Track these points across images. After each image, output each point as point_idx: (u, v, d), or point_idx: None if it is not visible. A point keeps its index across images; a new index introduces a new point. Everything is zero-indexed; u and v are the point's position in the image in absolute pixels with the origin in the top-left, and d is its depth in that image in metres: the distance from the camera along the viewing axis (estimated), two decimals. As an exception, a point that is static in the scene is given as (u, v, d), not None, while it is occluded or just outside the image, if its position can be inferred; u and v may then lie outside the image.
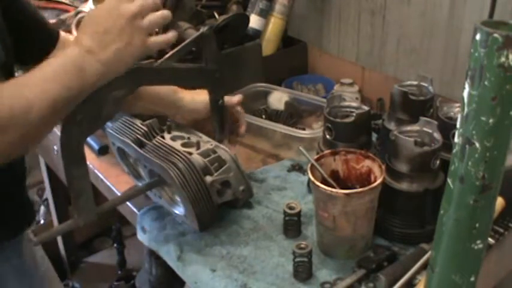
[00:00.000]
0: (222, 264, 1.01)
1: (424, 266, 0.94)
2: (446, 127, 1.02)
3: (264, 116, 1.45)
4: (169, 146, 1.04)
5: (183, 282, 1.06)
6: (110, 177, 1.33)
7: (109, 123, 1.12)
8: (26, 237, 1.14)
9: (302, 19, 1.83)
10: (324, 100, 1.27)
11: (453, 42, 1.42)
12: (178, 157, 1.00)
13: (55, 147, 1.41)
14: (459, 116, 0.54)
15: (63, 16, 1.69)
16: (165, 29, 1.42)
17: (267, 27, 1.69)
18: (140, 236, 1.15)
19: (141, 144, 1.06)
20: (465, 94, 0.52)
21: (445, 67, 1.46)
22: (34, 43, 1.08)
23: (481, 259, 0.60)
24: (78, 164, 0.93)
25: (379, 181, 0.96)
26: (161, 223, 1.13)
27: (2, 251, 1.06)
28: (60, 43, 1.14)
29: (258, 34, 1.67)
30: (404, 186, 1.00)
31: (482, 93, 0.50)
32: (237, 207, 1.15)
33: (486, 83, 0.49)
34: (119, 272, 2.17)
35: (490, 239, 1.02)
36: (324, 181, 0.99)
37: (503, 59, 0.48)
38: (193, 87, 1.16)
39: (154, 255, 1.55)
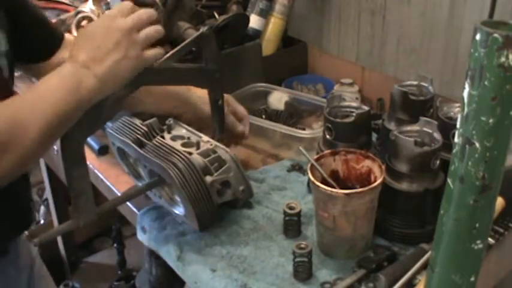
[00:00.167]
0: (222, 264, 1.01)
1: (424, 266, 0.94)
2: (446, 127, 1.02)
3: (264, 116, 1.45)
4: (169, 146, 1.04)
5: (183, 282, 1.06)
6: (110, 177, 1.33)
7: (109, 123, 1.12)
8: (22, 237, 1.15)
9: (302, 19, 1.83)
10: (324, 100, 1.27)
11: (453, 42, 1.42)
12: (178, 157, 1.00)
13: (55, 147, 1.40)
14: (459, 116, 0.54)
15: (63, 16, 1.69)
16: (165, 29, 1.43)
17: (267, 27, 1.69)
18: (140, 236, 1.15)
19: (141, 144, 1.06)
20: (465, 94, 0.52)
21: (445, 67, 1.46)
22: (36, 42, 1.08)
23: (481, 259, 0.60)
24: (78, 164, 0.93)
25: (379, 181, 0.96)
26: (161, 223, 1.13)
27: (4, 251, 1.06)
28: (66, 43, 1.14)
29: (258, 34, 1.67)
30: (404, 186, 1.00)
31: (482, 93, 0.50)
32: (237, 207, 1.15)
33: (486, 83, 0.49)
34: (119, 272, 2.17)
35: (490, 239, 1.02)
36: (324, 181, 0.99)
37: (503, 59, 0.48)
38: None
39: (154, 255, 1.55)
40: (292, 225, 1.07)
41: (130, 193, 1.09)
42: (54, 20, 1.65)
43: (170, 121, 1.14)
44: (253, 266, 1.00)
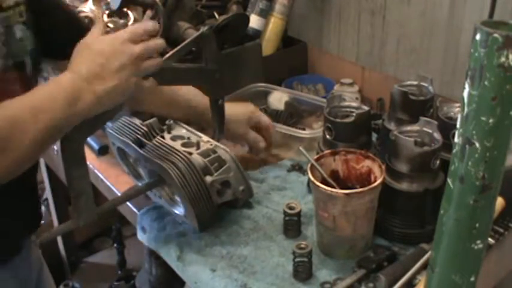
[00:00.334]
0: (222, 264, 1.01)
1: (424, 266, 0.94)
2: (446, 127, 1.02)
3: (264, 116, 1.45)
4: (169, 146, 1.04)
5: (183, 282, 1.06)
6: (110, 177, 1.33)
7: (109, 123, 1.12)
8: (33, 236, 1.15)
9: (302, 19, 1.83)
10: (324, 100, 1.27)
11: (453, 42, 1.42)
12: (178, 157, 1.00)
13: (55, 147, 1.40)
14: (459, 116, 0.54)
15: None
16: (165, 29, 1.43)
17: (267, 27, 1.69)
18: (140, 236, 1.15)
19: (141, 144, 1.06)
20: (465, 94, 0.52)
21: (445, 67, 1.46)
22: (64, 40, 1.07)
23: (481, 259, 0.60)
24: (78, 165, 0.93)
25: (379, 181, 0.96)
26: (161, 223, 1.13)
27: (18, 249, 1.06)
28: None
29: (258, 34, 1.67)
30: (404, 186, 1.00)
31: (482, 93, 0.50)
32: (237, 207, 1.15)
33: (486, 83, 0.49)
34: (119, 272, 2.17)
35: (490, 239, 1.02)
36: (324, 181, 0.99)
37: (503, 59, 0.48)
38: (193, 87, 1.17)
39: (154, 255, 1.55)
40: (292, 225, 1.07)
41: (130, 193, 1.09)
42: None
43: (170, 121, 1.14)
44: (253, 266, 1.00)
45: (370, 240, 1.03)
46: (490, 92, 0.50)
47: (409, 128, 1.03)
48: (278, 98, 1.50)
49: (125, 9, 1.53)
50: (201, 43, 1.04)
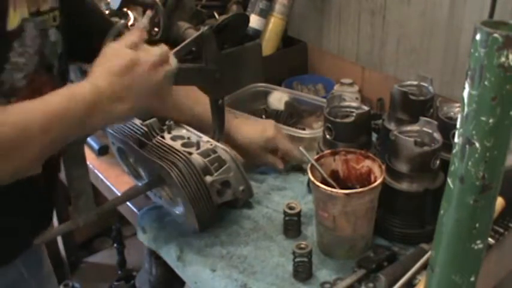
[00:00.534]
0: (222, 264, 1.01)
1: (424, 266, 0.94)
2: (446, 127, 1.02)
3: (264, 116, 1.45)
4: (169, 146, 1.04)
5: (183, 282, 1.06)
6: (110, 177, 1.33)
7: (109, 123, 1.12)
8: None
9: (302, 19, 1.83)
10: (324, 100, 1.27)
11: (453, 42, 1.42)
12: (178, 157, 1.00)
13: (55, 147, 1.41)
14: (459, 116, 0.54)
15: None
16: (165, 29, 1.43)
17: (267, 27, 1.69)
18: (140, 236, 1.15)
19: (141, 144, 1.06)
20: (465, 94, 0.52)
21: (445, 67, 1.46)
22: (93, 43, 1.07)
23: (481, 259, 0.60)
24: (78, 165, 0.93)
25: (379, 181, 0.96)
26: (161, 223, 1.13)
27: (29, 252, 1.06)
28: None
29: (258, 34, 1.67)
30: (404, 186, 1.00)
31: (482, 93, 0.50)
32: (237, 207, 1.15)
33: (486, 83, 0.49)
34: (119, 272, 2.17)
35: (490, 239, 1.02)
36: (324, 181, 0.99)
37: (503, 59, 0.48)
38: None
39: (154, 255, 1.55)
40: (292, 225, 1.07)
41: (131, 193, 1.09)
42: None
43: (170, 121, 1.14)
44: (253, 266, 1.00)
45: (370, 240, 1.03)
46: (490, 92, 0.50)
47: (409, 128, 1.03)
48: (278, 98, 1.50)
49: (125, 9, 1.53)
50: (201, 43, 1.04)
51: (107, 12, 1.47)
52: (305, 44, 1.82)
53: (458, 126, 0.54)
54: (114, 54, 0.87)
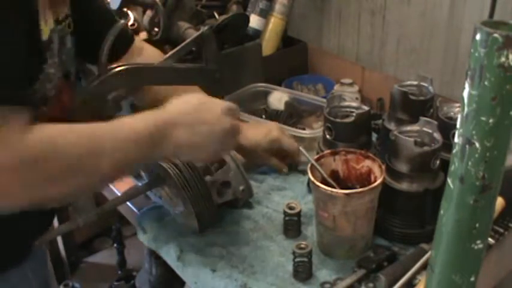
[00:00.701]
0: (222, 264, 1.01)
1: (424, 266, 0.94)
2: (446, 127, 1.02)
3: (264, 116, 1.45)
4: (169, 146, 1.04)
5: (183, 282, 1.06)
6: (110, 177, 1.32)
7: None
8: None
9: (302, 19, 1.83)
10: (324, 100, 1.27)
11: (453, 42, 1.42)
12: (178, 157, 1.00)
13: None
14: (459, 116, 0.54)
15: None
16: (165, 29, 1.43)
17: (267, 27, 1.69)
18: (140, 236, 1.15)
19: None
20: (465, 94, 0.52)
21: (445, 67, 1.46)
22: (103, 38, 1.07)
23: (481, 259, 0.60)
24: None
25: (379, 181, 0.96)
26: (161, 223, 1.13)
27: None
28: (133, 50, 1.14)
29: (258, 34, 1.67)
30: (404, 186, 1.00)
31: (482, 93, 0.50)
32: (237, 207, 1.15)
33: (486, 83, 0.49)
34: (119, 272, 2.17)
35: (490, 239, 1.02)
36: (324, 181, 0.99)
37: (503, 59, 0.48)
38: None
39: (154, 255, 1.55)
40: (292, 225, 1.07)
41: (131, 193, 1.09)
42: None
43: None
44: (253, 266, 1.00)
45: (370, 240, 1.03)
46: (490, 92, 0.50)
47: (409, 128, 1.03)
48: (278, 98, 1.50)
49: (125, 9, 1.53)
50: (201, 43, 1.04)
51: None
52: (305, 44, 1.82)
53: (458, 126, 0.54)
54: (203, 107, 0.89)
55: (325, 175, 1.01)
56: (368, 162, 1.02)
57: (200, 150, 0.88)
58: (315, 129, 1.36)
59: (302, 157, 1.21)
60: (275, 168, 1.25)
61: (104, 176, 0.80)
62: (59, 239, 2.24)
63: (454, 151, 0.55)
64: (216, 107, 0.89)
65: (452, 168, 0.56)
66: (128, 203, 1.20)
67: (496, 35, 0.48)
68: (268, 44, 1.69)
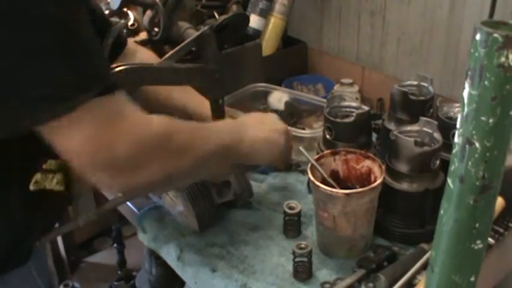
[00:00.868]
0: (222, 264, 1.01)
1: (424, 266, 0.94)
2: (446, 127, 1.02)
3: (264, 116, 1.45)
4: (169, 146, 1.04)
5: (183, 282, 1.06)
6: (110, 177, 1.32)
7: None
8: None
9: (302, 19, 1.83)
10: (324, 100, 1.27)
11: (453, 42, 1.42)
12: (178, 157, 1.00)
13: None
14: (459, 116, 0.54)
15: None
16: (165, 29, 1.43)
17: (267, 27, 1.69)
18: (140, 236, 1.15)
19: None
20: (465, 94, 0.52)
21: (445, 67, 1.46)
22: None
23: (481, 259, 0.60)
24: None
25: (379, 181, 0.96)
26: (161, 223, 1.13)
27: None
28: (128, 52, 1.15)
29: (258, 34, 1.67)
30: (404, 186, 1.00)
31: (482, 93, 0.50)
32: (237, 207, 1.15)
33: (486, 83, 0.49)
34: (119, 272, 2.17)
35: (490, 239, 1.02)
36: (324, 181, 0.99)
37: (503, 59, 0.48)
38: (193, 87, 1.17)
39: (154, 255, 1.55)
40: (292, 225, 1.07)
41: (131, 193, 1.09)
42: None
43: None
44: (253, 266, 1.00)
45: (370, 240, 1.03)
46: (490, 92, 0.50)
47: (409, 128, 1.03)
48: (278, 98, 1.50)
49: (125, 9, 1.53)
50: (201, 43, 1.04)
51: (106, 12, 1.47)
52: (305, 44, 1.82)
53: (458, 126, 0.54)
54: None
55: (325, 175, 1.01)
56: (368, 162, 1.02)
57: (271, 149, 1.03)
58: (315, 129, 1.36)
59: (302, 157, 1.21)
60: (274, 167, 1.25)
61: (187, 169, 0.85)
62: (59, 239, 2.24)
63: (454, 151, 0.55)
64: (270, 116, 1.11)
65: (452, 168, 0.56)
66: (128, 203, 1.20)
67: (496, 35, 0.48)
68: (268, 44, 1.69)
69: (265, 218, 1.13)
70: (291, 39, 1.83)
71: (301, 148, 1.08)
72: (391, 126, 1.12)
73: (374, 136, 1.24)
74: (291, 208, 1.06)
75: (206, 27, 1.04)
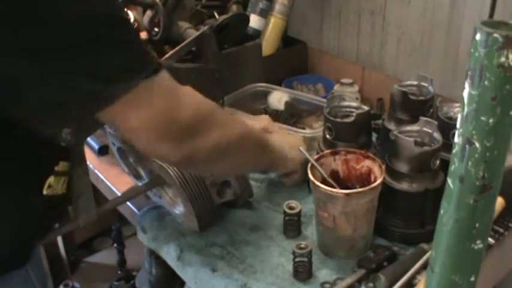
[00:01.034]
0: (222, 264, 1.01)
1: (424, 266, 0.94)
2: (446, 127, 1.02)
3: (264, 116, 1.45)
4: (169, 146, 1.04)
5: (183, 282, 1.06)
6: (110, 177, 1.32)
7: (109, 123, 1.11)
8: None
9: (302, 19, 1.83)
10: (324, 100, 1.27)
11: (453, 42, 1.42)
12: (178, 157, 1.00)
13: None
14: (459, 116, 0.54)
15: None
16: (165, 29, 1.43)
17: (267, 27, 1.69)
18: (140, 236, 1.15)
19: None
20: (465, 94, 0.52)
21: (445, 67, 1.46)
22: None
23: (481, 259, 0.60)
24: (78, 165, 0.93)
25: (379, 181, 0.96)
26: (161, 223, 1.13)
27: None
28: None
29: (258, 34, 1.67)
30: (404, 186, 1.00)
31: (482, 93, 0.50)
32: (237, 207, 1.15)
33: (486, 83, 0.49)
34: (119, 272, 2.17)
35: (490, 239, 1.02)
36: (324, 181, 0.99)
37: (503, 59, 0.48)
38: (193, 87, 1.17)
39: (154, 255, 1.55)
40: (292, 225, 1.07)
41: (130, 193, 1.09)
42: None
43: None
44: (253, 266, 1.00)
45: (370, 240, 1.03)
46: (490, 92, 0.50)
47: (409, 128, 1.03)
48: (278, 98, 1.50)
49: (125, 9, 1.53)
50: (201, 43, 1.04)
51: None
52: (305, 44, 1.82)
53: (458, 126, 0.54)
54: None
55: (325, 175, 1.01)
56: (368, 162, 1.02)
57: (296, 156, 1.09)
58: (315, 129, 1.36)
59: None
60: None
61: (208, 151, 0.85)
62: (59, 239, 2.24)
63: (454, 151, 0.55)
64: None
65: (452, 168, 0.56)
66: (128, 203, 1.20)
67: (496, 35, 0.48)
68: (268, 44, 1.69)
69: (265, 218, 1.13)
70: (291, 39, 1.83)
71: (301, 148, 1.08)
72: (391, 126, 1.12)
73: (374, 136, 1.24)
74: (291, 208, 1.06)
75: (206, 27, 1.04)
